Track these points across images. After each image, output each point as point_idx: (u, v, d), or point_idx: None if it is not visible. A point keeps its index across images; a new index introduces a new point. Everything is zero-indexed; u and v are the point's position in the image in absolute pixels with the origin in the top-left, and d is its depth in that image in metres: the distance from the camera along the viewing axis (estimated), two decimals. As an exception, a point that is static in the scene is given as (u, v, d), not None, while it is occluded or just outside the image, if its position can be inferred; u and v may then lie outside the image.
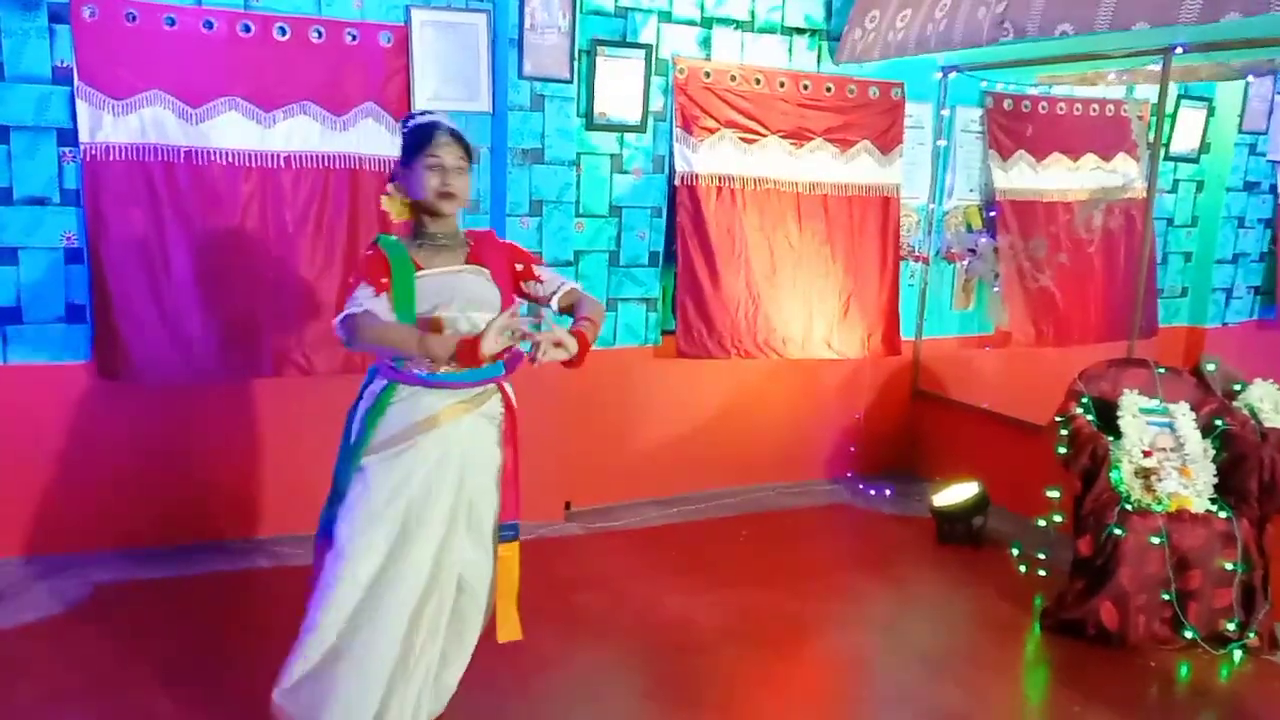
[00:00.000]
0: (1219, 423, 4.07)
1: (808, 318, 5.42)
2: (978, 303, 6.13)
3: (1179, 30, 3.97)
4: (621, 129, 4.97)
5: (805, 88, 5.32)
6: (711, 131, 5.09)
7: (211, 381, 4.35)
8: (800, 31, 5.34)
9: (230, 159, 4.22)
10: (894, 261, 5.64)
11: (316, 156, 4.36)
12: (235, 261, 4.28)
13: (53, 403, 4.18)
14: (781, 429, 5.60)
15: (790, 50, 5.33)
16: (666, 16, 4.99)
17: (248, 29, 4.19)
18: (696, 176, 5.08)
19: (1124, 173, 6.14)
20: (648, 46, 4.92)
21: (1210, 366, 4.32)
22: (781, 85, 5.26)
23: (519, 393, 4.83)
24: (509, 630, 2.97)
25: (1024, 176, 6.02)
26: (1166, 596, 3.78)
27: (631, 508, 5.13)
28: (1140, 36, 4.04)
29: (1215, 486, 3.96)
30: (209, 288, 4.25)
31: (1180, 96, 6.31)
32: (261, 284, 4.33)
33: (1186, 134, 6.53)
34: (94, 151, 4.02)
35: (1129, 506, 3.87)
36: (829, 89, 5.38)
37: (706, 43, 5.11)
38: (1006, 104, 5.96)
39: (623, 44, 4.87)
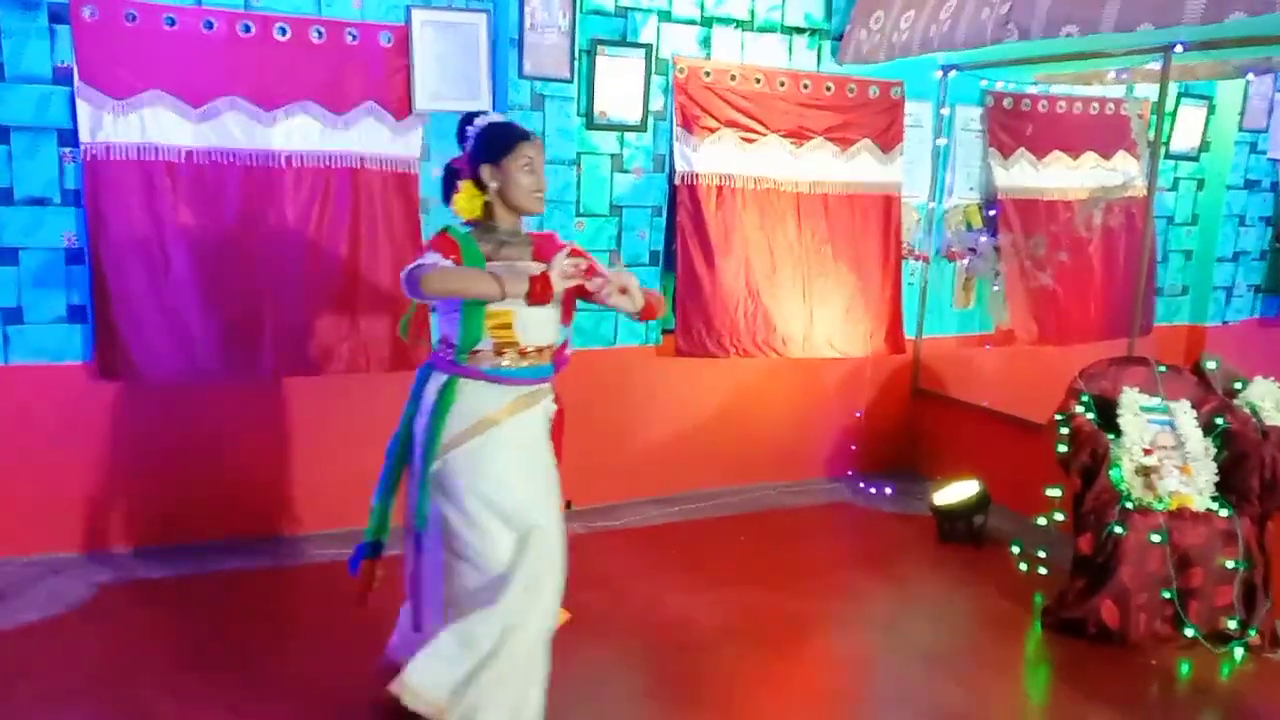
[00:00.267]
0: (1220, 421, 4.07)
1: (809, 316, 5.42)
2: (978, 301, 6.13)
3: (1180, 29, 3.98)
4: (622, 128, 4.97)
5: (805, 87, 5.32)
6: (712, 131, 5.09)
7: (213, 381, 4.35)
8: (800, 31, 5.34)
9: (231, 158, 4.22)
10: (896, 260, 5.64)
11: (317, 155, 4.36)
12: (236, 261, 4.28)
13: (53, 403, 4.18)
14: (782, 428, 5.60)
15: (790, 49, 5.33)
16: (666, 16, 4.99)
17: (248, 29, 4.19)
18: (696, 176, 5.08)
19: (1124, 171, 6.14)
20: (648, 46, 4.92)
21: (1211, 364, 4.32)
22: (781, 84, 5.26)
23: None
24: (564, 614, 3.04)
25: (1025, 175, 6.02)
26: (1167, 595, 3.78)
27: (632, 506, 5.13)
28: (1141, 35, 4.04)
29: (1216, 484, 3.96)
30: (210, 287, 4.25)
31: (1180, 94, 6.31)
32: (263, 283, 4.33)
33: (1187, 132, 6.53)
34: (94, 151, 4.02)
35: (1130, 505, 3.87)
36: (829, 88, 5.38)
37: (706, 42, 5.11)
38: (1006, 102, 5.96)
39: (623, 43, 4.87)
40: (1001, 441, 5.27)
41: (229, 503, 4.48)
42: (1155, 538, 3.78)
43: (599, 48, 4.79)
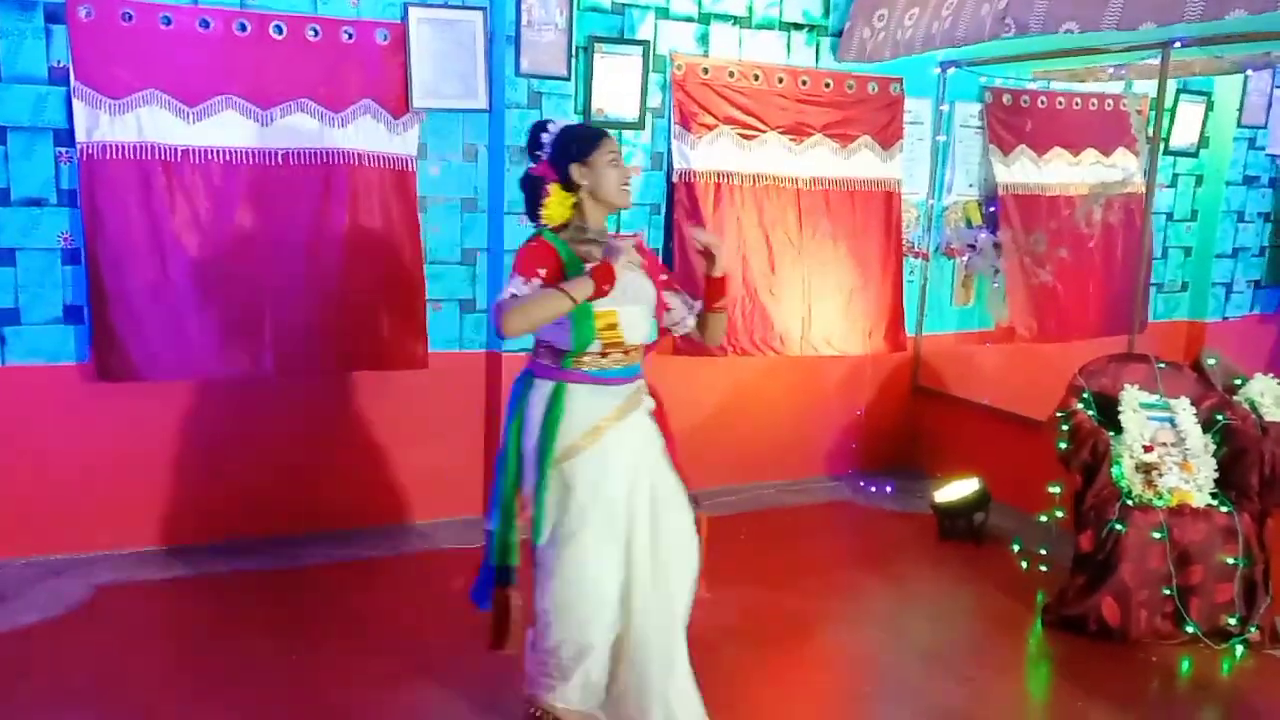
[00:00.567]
0: (1220, 417, 4.06)
1: (807, 314, 5.41)
2: (978, 298, 6.13)
3: (1180, 26, 3.98)
4: (619, 126, 4.96)
5: (804, 83, 5.31)
6: (710, 128, 5.08)
7: (210, 380, 4.34)
8: (798, 27, 5.32)
9: (228, 157, 4.21)
10: (896, 257, 5.63)
11: (315, 153, 4.35)
12: (233, 260, 4.27)
13: (51, 404, 4.17)
14: (782, 426, 5.59)
15: (788, 46, 5.31)
16: (664, 13, 4.97)
17: (244, 28, 4.18)
18: (694, 173, 5.07)
19: (1124, 167, 6.13)
20: (645, 43, 4.90)
21: (1211, 361, 4.32)
22: (780, 81, 5.25)
23: (509, 390, 4.83)
24: (704, 590, 3.04)
25: (1026, 171, 6.02)
26: (1168, 591, 3.78)
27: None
28: (1141, 32, 4.04)
29: (1216, 481, 3.95)
30: (207, 286, 4.24)
31: (1179, 91, 6.30)
32: (260, 282, 4.32)
33: (1186, 128, 6.52)
34: (91, 151, 4.01)
35: (1130, 502, 3.87)
36: (828, 84, 5.37)
37: (704, 39, 5.10)
38: (1006, 99, 5.95)
39: (620, 41, 4.86)
40: (1002, 439, 5.26)
41: (228, 504, 4.47)
42: (1156, 535, 3.77)
43: (596, 45, 4.78)
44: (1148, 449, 3.98)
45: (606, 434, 2.81)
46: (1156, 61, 4.77)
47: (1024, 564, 4.45)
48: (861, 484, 5.68)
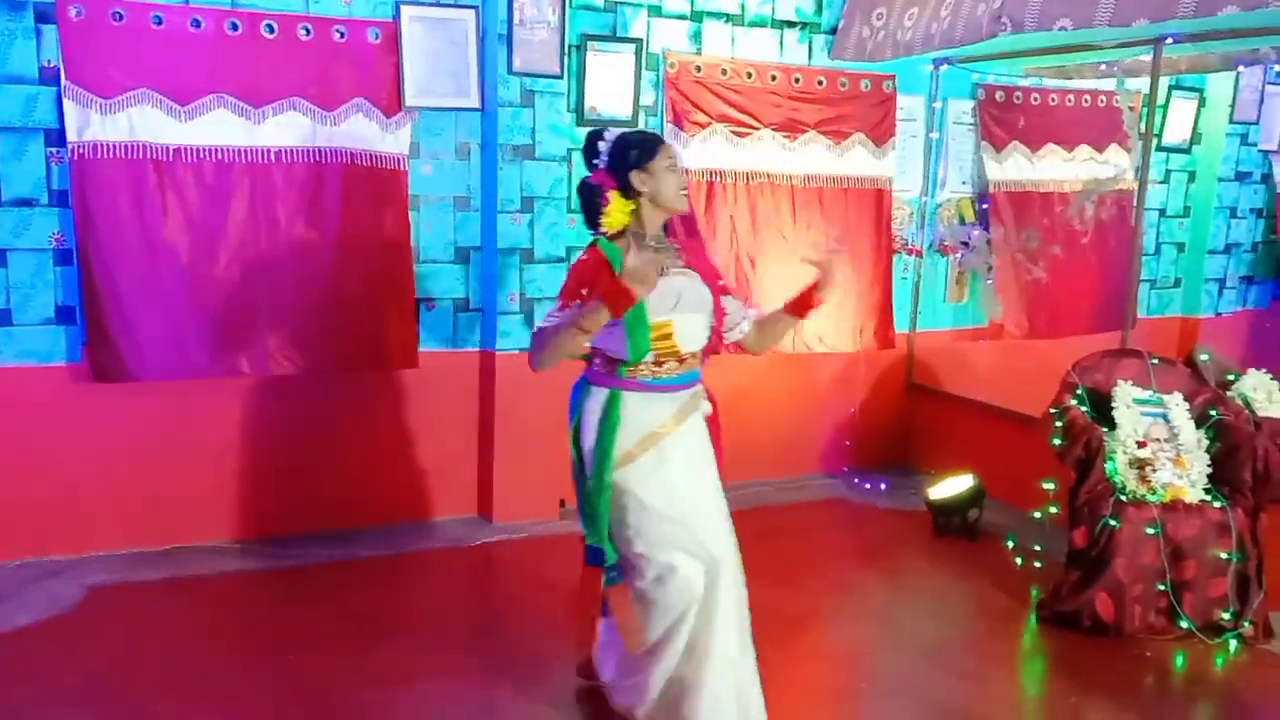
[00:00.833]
0: (1213, 413, 4.07)
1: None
2: (971, 295, 6.13)
3: (1172, 22, 3.99)
4: (612, 124, 4.95)
5: (797, 81, 5.31)
6: (703, 126, 5.07)
7: (204, 379, 4.32)
8: (791, 25, 5.33)
9: (220, 155, 4.21)
10: (887, 255, 5.64)
11: (307, 152, 4.34)
12: (226, 259, 4.26)
13: (44, 405, 4.16)
14: (776, 424, 5.59)
15: (781, 43, 5.31)
16: (656, 10, 4.97)
17: (235, 27, 4.17)
18: (687, 171, 5.05)
19: (1116, 163, 6.14)
20: (638, 41, 4.90)
21: (1204, 357, 4.32)
22: (773, 79, 5.25)
23: (506, 388, 4.85)
24: None
25: (1019, 168, 6.02)
26: (1162, 587, 3.78)
27: (626, 504, 5.11)
28: (1133, 28, 4.05)
29: (1209, 476, 3.96)
30: (199, 286, 4.23)
31: (1171, 87, 6.31)
32: (253, 281, 4.31)
33: (1178, 124, 6.53)
34: (82, 150, 4.00)
35: (1124, 497, 3.87)
36: (820, 82, 5.37)
37: (697, 36, 5.09)
38: (998, 96, 5.96)
39: (613, 39, 4.85)
40: (996, 435, 5.27)
41: (222, 504, 4.46)
42: (1149, 530, 3.78)
43: (589, 43, 4.78)
44: (1141, 444, 3.99)
45: (663, 440, 2.82)
46: (1145, 58, 4.79)
47: (1018, 560, 4.45)
48: (856, 481, 5.68)
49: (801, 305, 3.01)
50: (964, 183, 5.99)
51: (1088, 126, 6.17)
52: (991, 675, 3.64)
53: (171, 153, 4.13)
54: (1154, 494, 3.89)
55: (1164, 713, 3.42)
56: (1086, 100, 6.16)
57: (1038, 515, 4.31)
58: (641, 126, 5.01)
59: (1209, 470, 3.97)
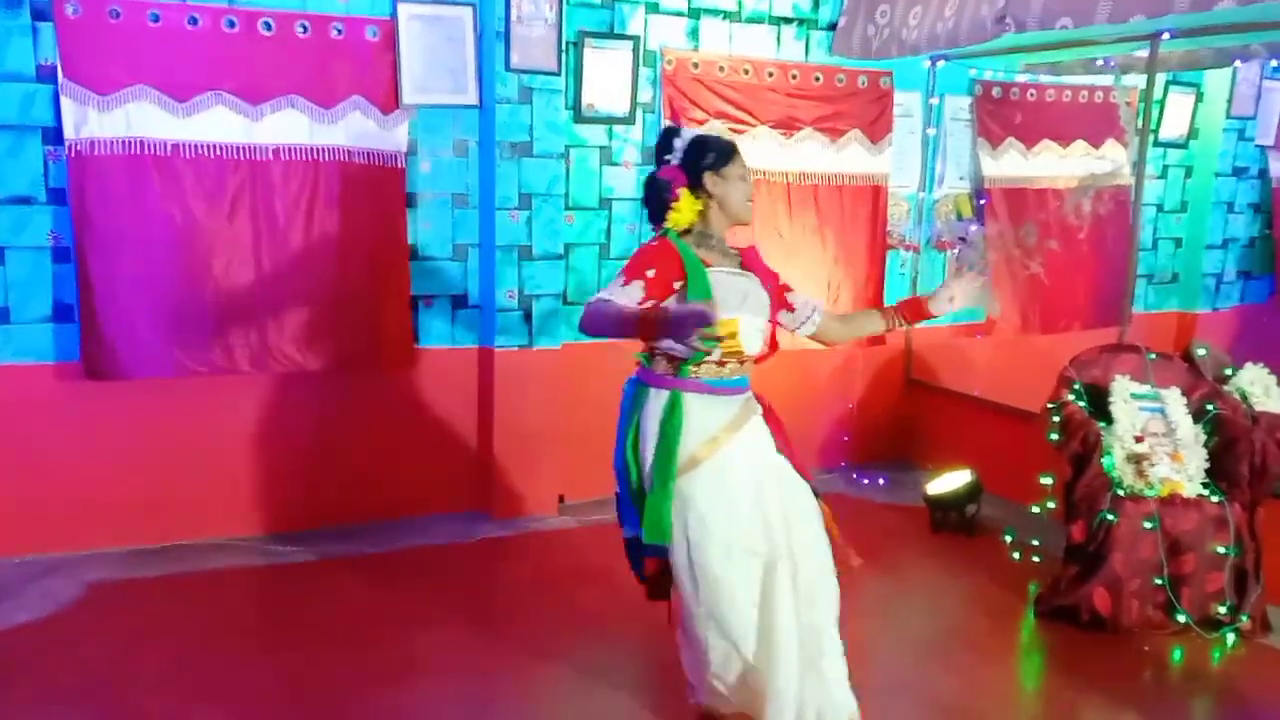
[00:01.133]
0: (1210, 407, 4.07)
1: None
2: (969, 291, 6.12)
3: (1169, 18, 4.00)
4: (610, 121, 4.96)
5: (794, 77, 5.31)
6: (700, 123, 5.07)
7: (201, 377, 4.32)
8: (788, 21, 5.33)
9: (218, 153, 4.20)
10: (881, 251, 5.65)
11: (305, 149, 4.34)
12: (223, 256, 4.27)
13: (42, 403, 4.16)
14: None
15: (778, 40, 5.32)
16: (654, 7, 4.97)
17: (232, 24, 4.17)
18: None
19: (1113, 159, 6.13)
20: (635, 38, 4.90)
21: (1201, 352, 4.32)
22: (770, 75, 5.26)
23: (505, 384, 4.84)
24: (853, 560, 3.06)
25: (1014, 164, 6.03)
26: (1159, 581, 3.79)
27: (625, 500, 5.12)
28: (1131, 24, 4.07)
29: (1207, 471, 3.97)
30: (196, 283, 4.24)
31: (1169, 82, 6.31)
32: (250, 278, 4.32)
33: (1175, 120, 6.53)
34: (79, 147, 4.00)
35: (1121, 492, 3.88)
36: (818, 78, 5.38)
37: (694, 33, 5.10)
38: (995, 91, 5.96)
39: (610, 35, 4.86)
40: (994, 431, 5.28)
41: (220, 501, 4.47)
42: (1147, 524, 3.79)
43: (586, 40, 4.78)
44: (1139, 439, 3.99)
45: (725, 444, 2.81)
46: (1140, 54, 4.79)
47: (1016, 555, 4.46)
48: (854, 476, 5.69)
49: (914, 310, 3.02)
50: (961, 179, 6.00)
51: (1084, 122, 6.17)
52: (989, 670, 3.65)
53: (169, 149, 4.13)
54: (1151, 489, 3.89)
55: (1162, 707, 3.42)
56: (1084, 96, 6.16)
57: (1035, 510, 4.31)
58: (640, 123, 5.02)
59: (1206, 465, 3.97)
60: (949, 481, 4.92)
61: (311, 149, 4.36)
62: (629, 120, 4.98)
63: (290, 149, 4.32)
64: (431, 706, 3.26)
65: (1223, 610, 3.81)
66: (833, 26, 5.42)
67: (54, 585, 3.98)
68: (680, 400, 2.80)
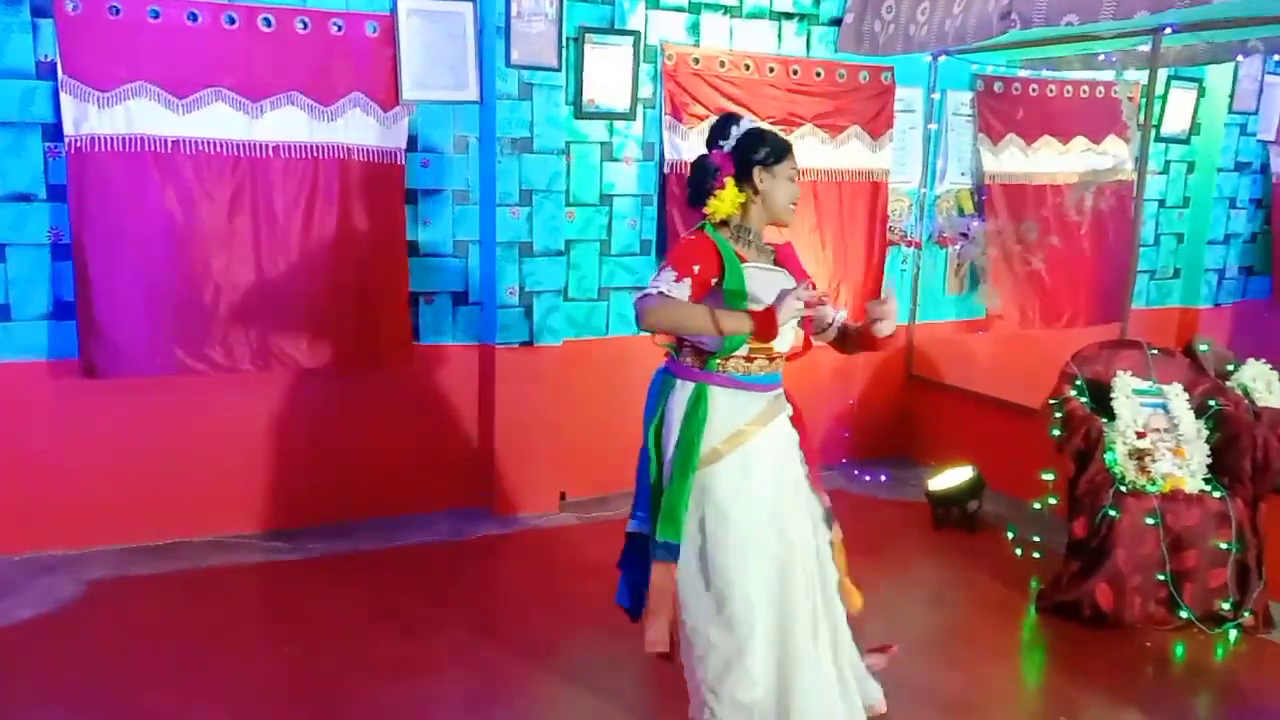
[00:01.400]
0: (1212, 403, 4.06)
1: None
2: (970, 287, 6.13)
3: (1171, 12, 4.00)
4: (611, 117, 4.95)
5: (795, 73, 5.30)
6: (701, 119, 5.06)
7: (200, 375, 4.31)
8: (789, 16, 5.32)
9: (218, 150, 4.20)
10: (881, 246, 5.64)
11: (305, 147, 4.34)
12: (222, 253, 4.26)
13: (42, 400, 4.16)
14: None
15: (779, 35, 5.31)
16: (654, 3, 4.96)
17: (232, 20, 4.16)
18: (685, 165, 5.05)
19: (1114, 154, 6.13)
20: (636, 33, 4.89)
21: (1203, 347, 4.32)
22: (771, 70, 5.24)
23: (506, 381, 4.84)
24: (854, 602, 3.03)
25: (1014, 160, 6.02)
26: (1161, 577, 3.78)
27: (626, 497, 4.99)
28: (1134, 19, 4.07)
29: (1209, 466, 3.96)
30: (195, 281, 4.23)
31: (1171, 77, 6.30)
32: (249, 276, 4.32)
33: (1177, 115, 6.52)
34: (79, 144, 3.99)
35: (1123, 488, 3.87)
36: (818, 74, 5.37)
37: (695, 28, 5.09)
38: (997, 87, 5.95)
39: (610, 31, 4.84)
40: (996, 426, 5.27)
41: (220, 498, 4.46)
42: (1149, 520, 3.78)
43: (587, 36, 4.77)
44: (1141, 435, 3.99)
45: (749, 440, 2.78)
46: (1141, 49, 4.78)
47: (1018, 551, 4.45)
48: (856, 473, 5.68)
49: (868, 342, 2.91)
50: (963, 174, 5.99)
51: (1086, 118, 6.16)
52: (991, 666, 3.65)
53: (169, 146, 4.12)
54: (1154, 484, 3.89)
55: (1164, 703, 3.42)
56: (1085, 91, 6.15)
57: (1037, 506, 4.31)
58: (640, 119, 5.01)
59: (1209, 460, 3.97)
60: (951, 477, 4.91)
61: (311, 146, 4.35)
62: (629, 116, 4.97)
63: (290, 146, 4.32)
64: (431, 704, 3.26)
65: (1225, 606, 3.80)
66: (834, 22, 5.41)
67: (53, 583, 3.98)
68: (706, 393, 2.78)
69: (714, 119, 2.96)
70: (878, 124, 5.53)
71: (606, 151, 4.99)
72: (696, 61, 5.06)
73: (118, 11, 3.99)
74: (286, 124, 4.29)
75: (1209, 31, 4.77)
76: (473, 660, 3.50)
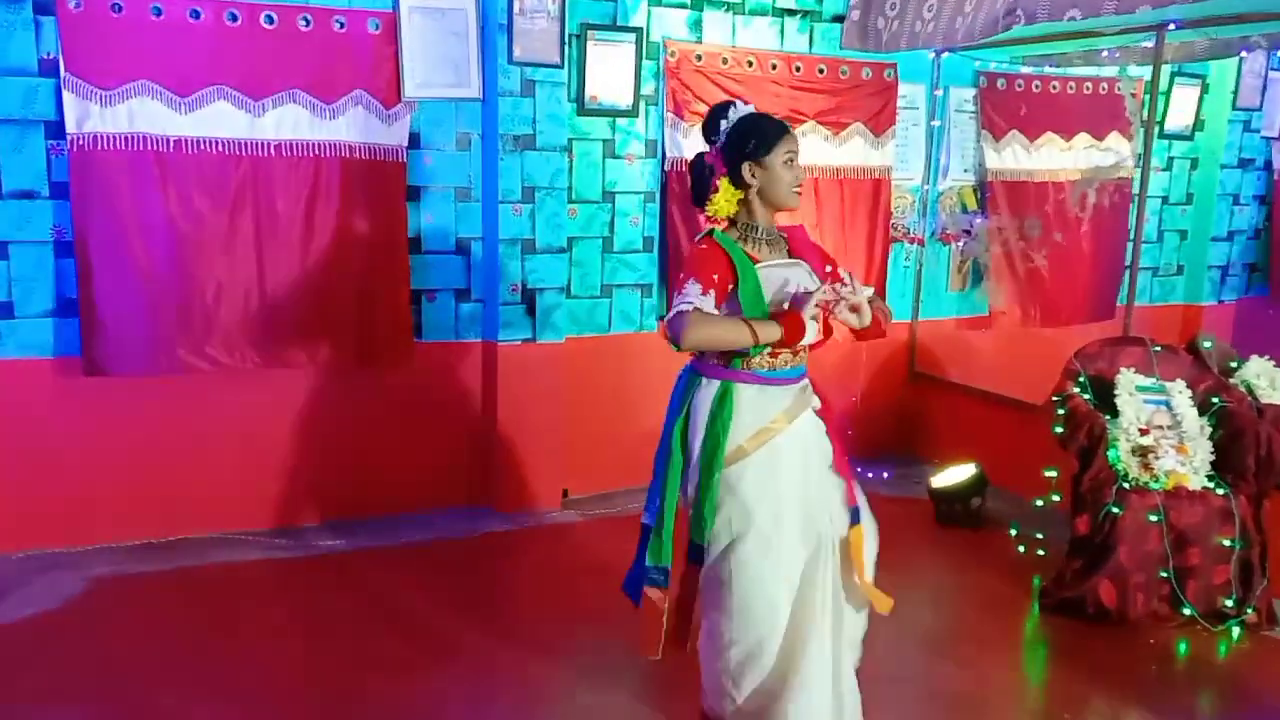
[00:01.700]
0: (1215, 400, 4.06)
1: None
2: (973, 284, 6.12)
3: (1172, 8, 3.99)
4: (613, 114, 4.95)
5: (797, 70, 5.29)
6: (702, 116, 5.03)
7: (203, 372, 4.32)
8: (792, 13, 5.31)
9: (220, 148, 4.20)
10: (884, 243, 5.64)
11: (306, 145, 4.34)
12: (223, 252, 4.26)
13: (46, 397, 4.16)
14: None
15: (781, 32, 5.30)
16: (657, 0, 4.96)
17: (234, 18, 4.16)
18: (685, 163, 5.04)
19: (1116, 151, 6.12)
20: (638, 30, 4.89)
21: (1206, 344, 4.31)
22: (773, 67, 5.24)
23: (509, 378, 4.84)
24: (882, 604, 3.02)
25: (1016, 157, 6.01)
26: (1165, 574, 3.78)
27: (629, 494, 5.10)
28: (1137, 15, 4.06)
29: (1212, 463, 3.95)
30: (199, 279, 4.24)
31: (1174, 73, 6.29)
32: (253, 274, 4.32)
33: (1181, 111, 6.51)
34: (81, 142, 3.99)
35: (1126, 485, 3.87)
36: (821, 70, 5.36)
37: (697, 25, 5.08)
38: (1000, 83, 5.94)
39: (613, 28, 4.84)
40: (999, 423, 5.26)
41: (223, 496, 4.46)
42: (1152, 517, 3.78)
43: (589, 32, 4.77)
44: (1144, 432, 3.98)
45: (776, 437, 2.76)
46: (1143, 45, 4.78)
47: (1021, 548, 4.45)
48: (858, 470, 5.63)
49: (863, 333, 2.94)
50: (966, 171, 5.98)
51: (1088, 114, 6.15)
52: (994, 663, 3.65)
53: (171, 145, 4.12)
54: (1157, 481, 3.88)
55: (1167, 700, 3.41)
56: (1088, 88, 6.14)
57: (1040, 503, 4.30)
58: (643, 116, 5.00)
59: (1212, 457, 3.96)
60: (954, 474, 4.91)
61: (313, 144, 4.35)
62: (632, 113, 4.97)
63: (291, 144, 4.31)
64: (435, 700, 3.26)
65: (1229, 603, 3.80)
66: (837, 19, 5.40)
67: (57, 580, 3.98)
68: (732, 391, 2.75)
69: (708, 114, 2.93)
70: (880, 121, 5.52)
71: (609, 148, 4.99)
72: (699, 58, 5.05)
73: (120, 9, 3.99)
74: (288, 122, 4.29)
75: (1212, 28, 4.76)
76: (476, 657, 3.50)
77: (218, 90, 4.17)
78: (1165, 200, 6.69)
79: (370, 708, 3.20)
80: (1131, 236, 4.99)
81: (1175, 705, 3.40)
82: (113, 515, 4.30)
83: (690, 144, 5.03)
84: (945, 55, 5.65)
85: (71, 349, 4.16)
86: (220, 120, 4.18)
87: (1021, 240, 5.99)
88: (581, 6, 4.75)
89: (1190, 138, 6.64)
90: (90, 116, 3.99)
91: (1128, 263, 5.05)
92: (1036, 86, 6.03)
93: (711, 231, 2.82)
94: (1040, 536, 4.38)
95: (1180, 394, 4.08)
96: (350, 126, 4.40)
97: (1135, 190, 5.31)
